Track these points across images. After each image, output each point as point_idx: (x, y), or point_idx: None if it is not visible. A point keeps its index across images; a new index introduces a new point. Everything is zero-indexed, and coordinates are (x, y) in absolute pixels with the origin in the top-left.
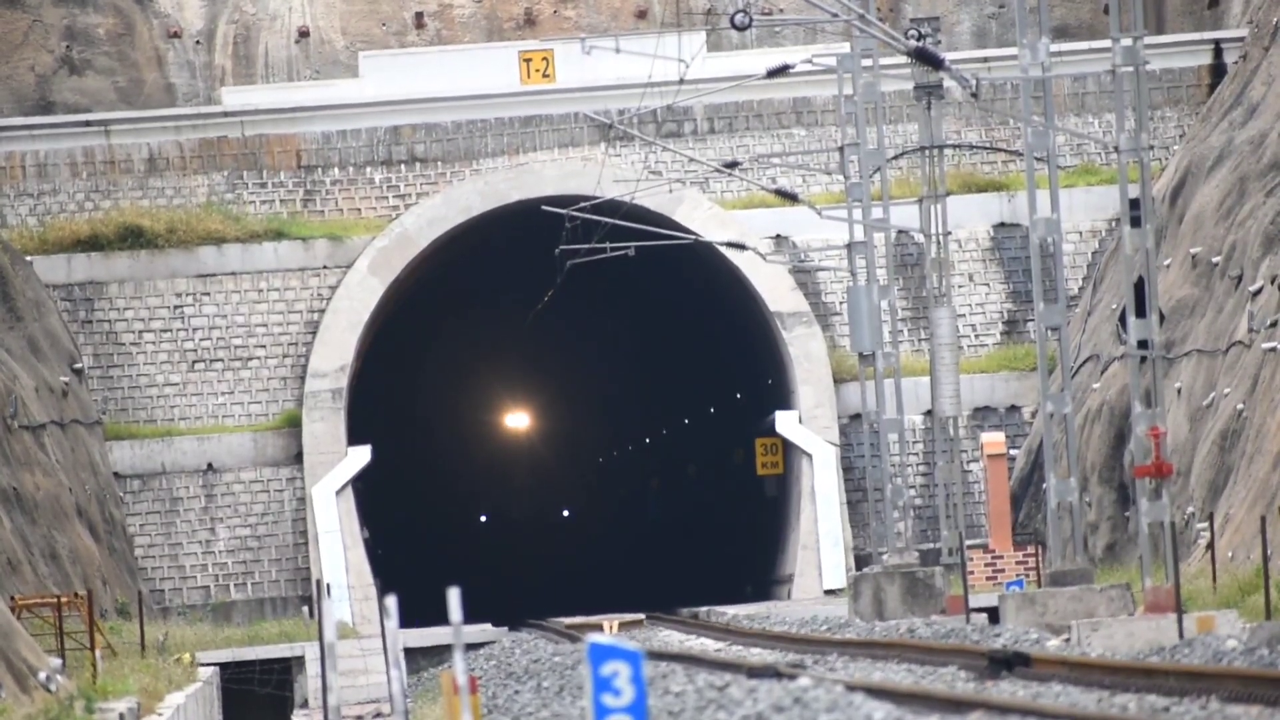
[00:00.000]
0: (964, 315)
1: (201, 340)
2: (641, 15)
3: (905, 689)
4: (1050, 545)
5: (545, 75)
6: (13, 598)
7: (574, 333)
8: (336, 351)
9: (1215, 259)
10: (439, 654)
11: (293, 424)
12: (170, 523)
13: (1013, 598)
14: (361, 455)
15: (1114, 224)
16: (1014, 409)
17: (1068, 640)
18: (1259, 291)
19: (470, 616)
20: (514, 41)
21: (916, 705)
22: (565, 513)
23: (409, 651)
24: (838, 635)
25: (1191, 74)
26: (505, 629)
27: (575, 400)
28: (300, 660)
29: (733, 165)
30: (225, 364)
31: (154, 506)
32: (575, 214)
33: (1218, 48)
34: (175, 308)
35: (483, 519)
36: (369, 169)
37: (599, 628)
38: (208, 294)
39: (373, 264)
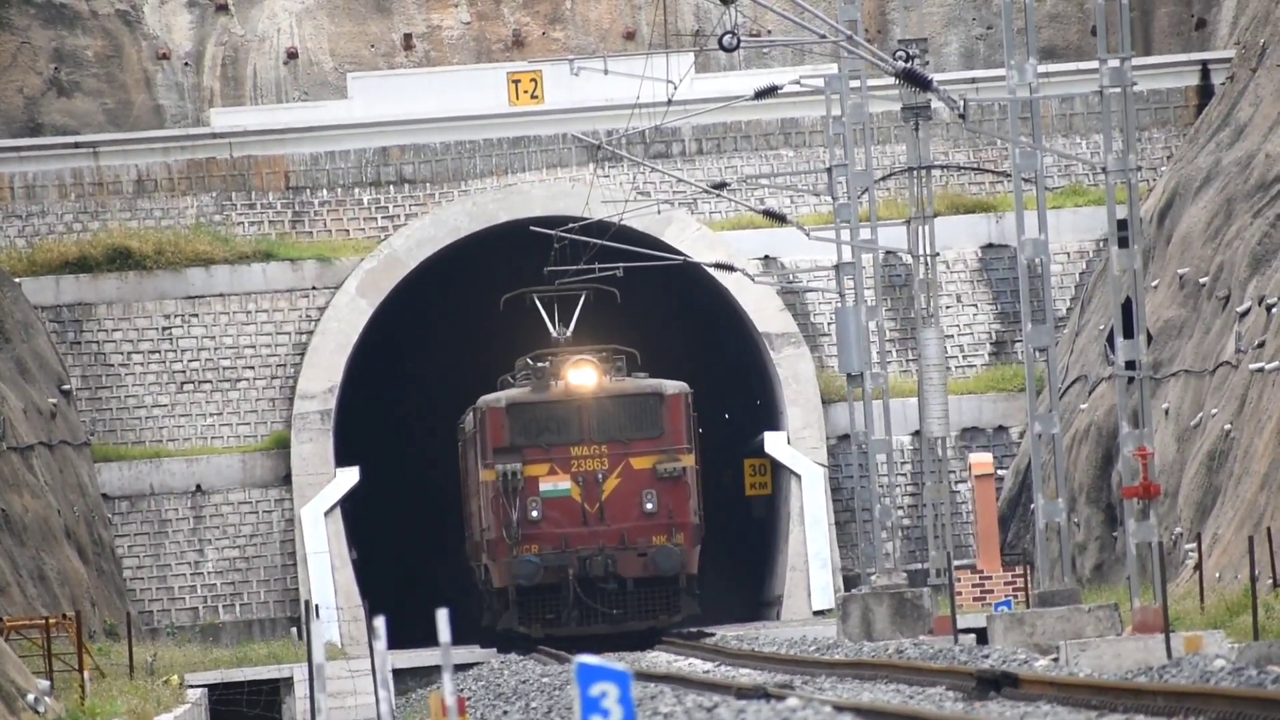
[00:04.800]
0: (952, 336)
1: (190, 362)
2: (630, 37)
3: (894, 709)
4: (1038, 566)
5: (534, 96)
6: (1, 619)
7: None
8: (325, 373)
9: (1203, 280)
10: (428, 675)
11: (281, 445)
12: (159, 544)
13: (1001, 618)
14: (350, 476)
15: (1102, 245)
16: (1002, 429)
17: (1056, 660)
18: (1246, 312)
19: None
20: (502, 63)
21: None
22: None
23: (398, 673)
24: (826, 656)
25: (1179, 95)
26: (494, 650)
27: None
28: (289, 681)
29: (721, 186)
30: (214, 385)
31: (142, 528)
32: (563, 234)
33: (1205, 69)
34: (164, 329)
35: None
36: (357, 190)
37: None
38: (196, 315)
39: (361, 285)
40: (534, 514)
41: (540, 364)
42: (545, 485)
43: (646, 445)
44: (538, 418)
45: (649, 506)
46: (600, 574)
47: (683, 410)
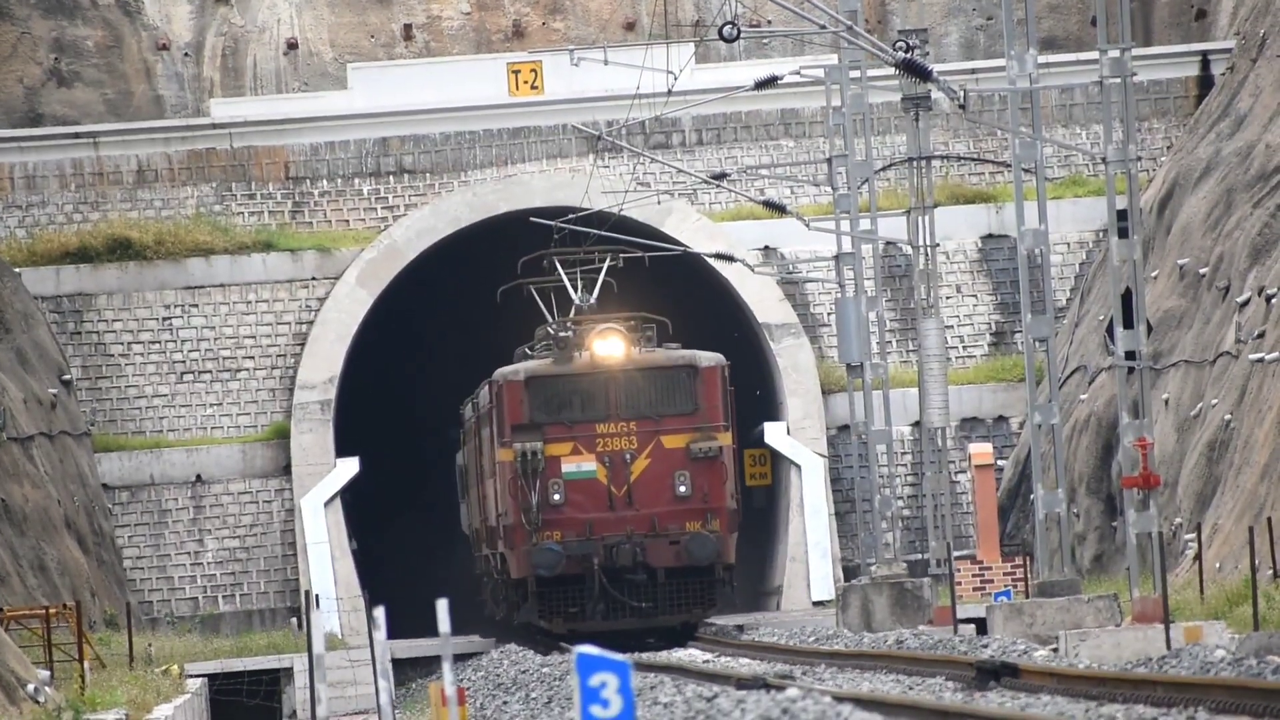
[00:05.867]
0: (952, 326)
1: (190, 352)
2: (630, 27)
3: (893, 700)
4: (1038, 556)
5: (534, 87)
6: (1, 609)
7: None
8: (325, 363)
9: (1202, 270)
10: (427, 665)
11: (281, 435)
12: (159, 534)
13: (1000, 608)
14: (350, 467)
15: (1101, 235)
16: (1002, 420)
17: (1055, 651)
18: (1246, 302)
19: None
20: (502, 53)
21: (905, 716)
22: None
23: (397, 663)
24: (826, 646)
25: (1179, 85)
26: (493, 640)
27: None
28: (289, 671)
29: (721, 177)
30: (214, 375)
31: (142, 518)
32: (563, 225)
33: (1205, 59)
34: (164, 319)
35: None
36: (357, 181)
37: None
38: (196, 306)
39: (361, 275)
40: (556, 497)
41: (563, 333)
42: (568, 466)
43: (679, 422)
44: (560, 392)
45: (682, 489)
46: (628, 563)
47: (719, 384)
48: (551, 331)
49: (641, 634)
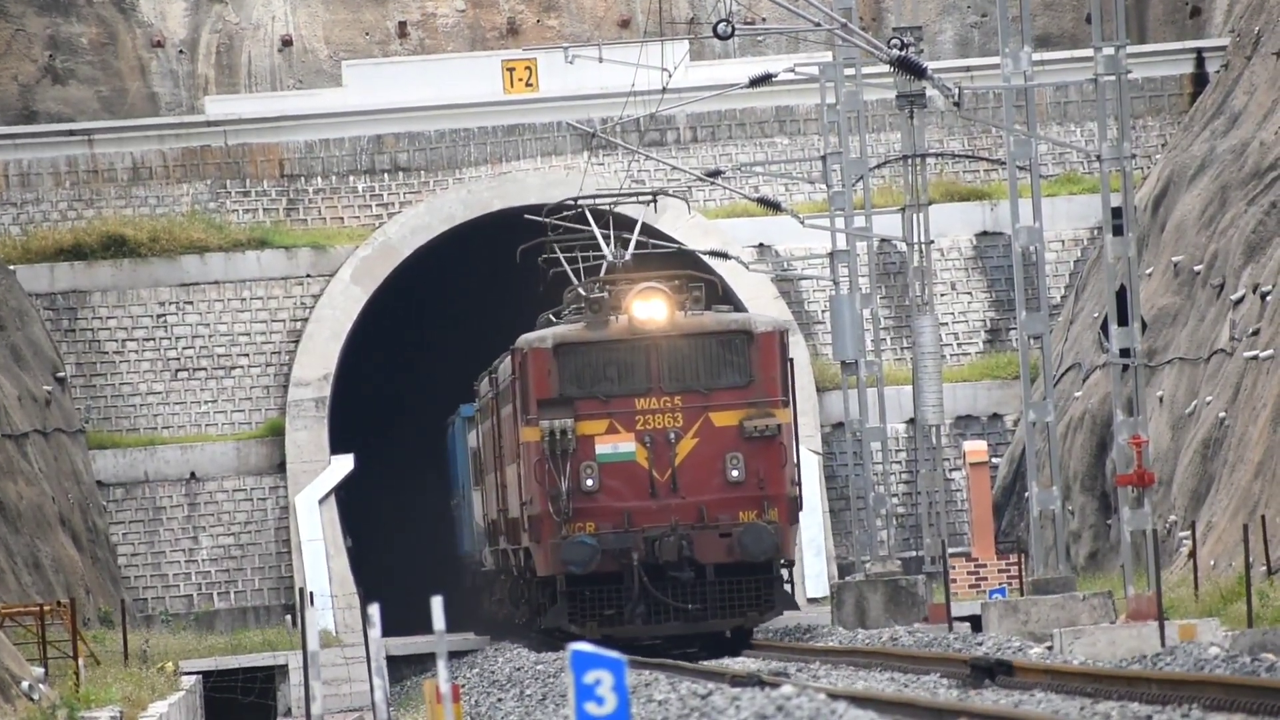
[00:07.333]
0: (946, 324)
1: (185, 349)
2: (624, 24)
3: (888, 697)
4: (1032, 553)
5: (528, 84)
6: None
7: None
8: (319, 360)
9: (1197, 267)
10: (422, 662)
11: (276, 433)
12: (153, 531)
13: (995, 606)
14: (344, 464)
15: (1096, 232)
16: (996, 417)
17: (1050, 648)
18: (1241, 300)
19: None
20: (497, 50)
21: (899, 713)
22: None
23: (392, 660)
24: (820, 644)
25: (1174, 83)
26: (488, 637)
27: None
28: (283, 669)
29: (715, 174)
30: (208, 373)
31: (137, 515)
32: (558, 223)
33: (1200, 57)
34: (158, 316)
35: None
36: (352, 178)
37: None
38: (191, 303)
39: (355, 273)
40: (589, 483)
41: (596, 294)
42: (603, 447)
43: (731, 397)
44: (594, 362)
45: (734, 474)
46: (673, 559)
47: (776, 352)
48: (583, 292)
49: (687, 640)
